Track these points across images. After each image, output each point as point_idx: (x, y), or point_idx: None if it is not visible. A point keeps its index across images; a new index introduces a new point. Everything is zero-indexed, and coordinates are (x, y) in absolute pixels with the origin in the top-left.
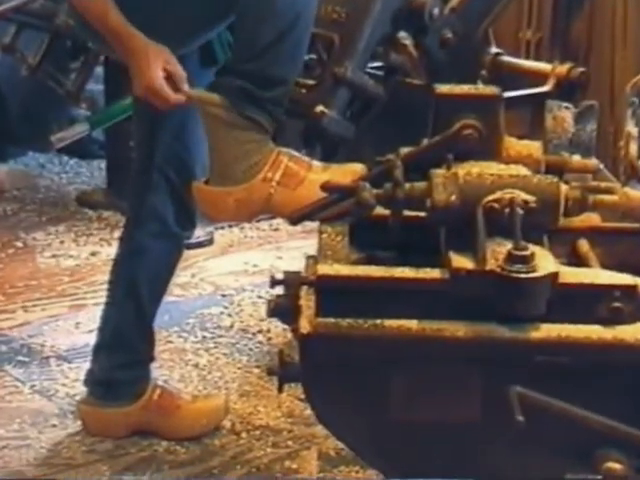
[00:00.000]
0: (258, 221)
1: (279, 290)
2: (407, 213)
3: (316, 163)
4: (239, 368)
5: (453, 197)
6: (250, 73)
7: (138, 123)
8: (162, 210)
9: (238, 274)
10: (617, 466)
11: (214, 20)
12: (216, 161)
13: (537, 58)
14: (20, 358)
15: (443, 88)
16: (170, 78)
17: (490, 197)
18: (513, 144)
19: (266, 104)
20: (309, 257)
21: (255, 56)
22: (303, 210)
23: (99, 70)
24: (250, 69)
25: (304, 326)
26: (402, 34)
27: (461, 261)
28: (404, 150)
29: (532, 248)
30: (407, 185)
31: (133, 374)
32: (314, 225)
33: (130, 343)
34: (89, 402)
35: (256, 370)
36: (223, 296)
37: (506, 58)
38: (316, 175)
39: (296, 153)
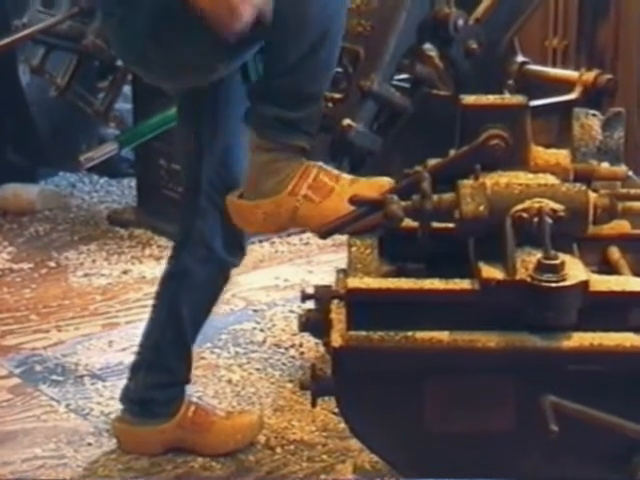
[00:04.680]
0: (289, 235)
1: (310, 304)
2: (436, 224)
3: (344, 176)
4: (272, 383)
5: (481, 207)
6: (282, 91)
7: (184, 146)
8: (210, 236)
9: (269, 289)
10: None
11: (250, 38)
12: (250, 177)
13: (563, 66)
14: (55, 377)
15: (469, 98)
16: None
17: (518, 207)
18: (541, 153)
19: (301, 125)
20: (339, 271)
21: (287, 72)
22: (332, 224)
23: (127, 89)
24: (282, 86)
25: (336, 340)
26: (427, 46)
27: (491, 271)
28: (431, 162)
29: (562, 257)
30: (435, 197)
31: (169, 395)
32: (344, 238)
33: (168, 364)
34: (124, 420)
35: (289, 385)
36: (255, 311)
37: (532, 66)
38: (342, 189)
39: (325, 166)
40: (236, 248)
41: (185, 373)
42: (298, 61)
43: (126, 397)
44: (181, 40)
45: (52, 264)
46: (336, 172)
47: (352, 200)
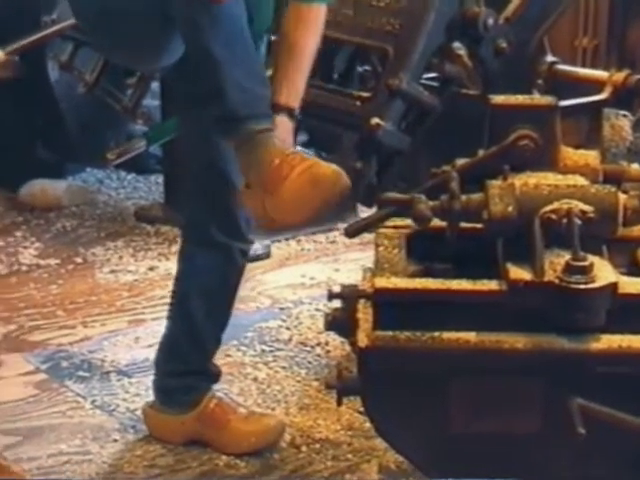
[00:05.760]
0: (314, 234)
1: (337, 303)
2: (464, 225)
3: (301, 164)
4: (298, 381)
5: (510, 208)
6: (221, 117)
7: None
8: (203, 218)
9: (296, 287)
10: None
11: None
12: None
13: (593, 66)
14: (81, 373)
15: (498, 98)
16: None
17: (547, 208)
18: (570, 154)
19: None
20: (366, 269)
21: (211, 102)
22: (359, 223)
23: (155, 86)
24: (218, 114)
25: (362, 339)
26: (456, 44)
27: (519, 272)
28: (460, 161)
29: (591, 258)
30: (463, 197)
31: (185, 383)
32: (371, 237)
33: (181, 352)
34: (152, 406)
35: (315, 383)
36: (281, 309)
37: (562, 66)
38: (293, 177)
39: (286, 151)
40: (234, 231)
41: (201, 363)
42: (216, 92)
43: (153, 385)
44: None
45: (79, 260)
46: (288, 161)
47: (379, 200)
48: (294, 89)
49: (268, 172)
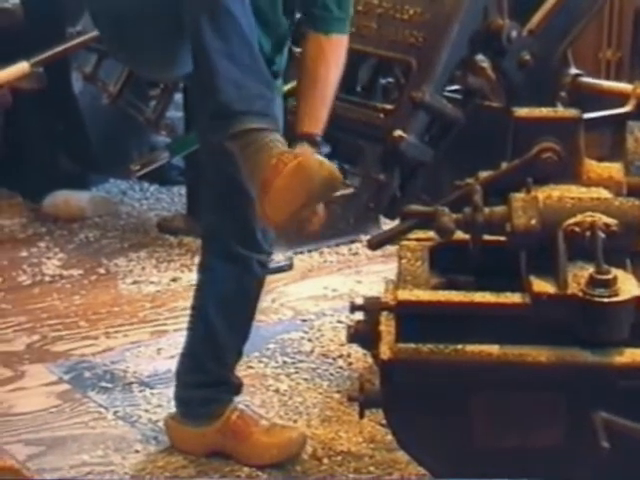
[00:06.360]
0: (337, 245)
1: (359, 315)
2: (487, 237)
3: (293, 160)
4: (320, 393)
5: (533, 221)
6: (216, 112)
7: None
8: (222, 229)
9: (318, 299)
10: None
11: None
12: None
13: (617, 78)
14: (103, 384)
15: (522, 111)
16: None
17: (571, 221)
18: (593, 166)
19: (233, 107)
20: (389, 282)
21: (206, 98)
22: (382, 235)
23: (178, 97)
24: (213, 109)
25: (384, 352)
26: (480, 57)
27: (542, 285)
28: (483, 174)
29: (614, 272)
30: (487, 209)
31: (204, 395)
32: (394, 249)
33: (201, 364)
34: (174, 417)
35: (337, 395)
36: (303, 321)
37: (586, 79)
38: (284, 173)
39: (284, 150)
40: (252, 243)
41: (221, 374)
42: (214, 88)
43: (174, 397)
44: (141, 39)
45: (102, 271)
46: (282, 162)
47: (402, 213)
48: (316, 118)
49: (266, 173)
